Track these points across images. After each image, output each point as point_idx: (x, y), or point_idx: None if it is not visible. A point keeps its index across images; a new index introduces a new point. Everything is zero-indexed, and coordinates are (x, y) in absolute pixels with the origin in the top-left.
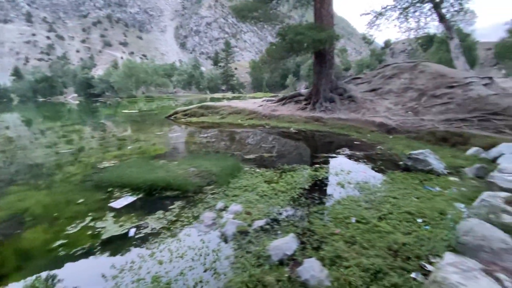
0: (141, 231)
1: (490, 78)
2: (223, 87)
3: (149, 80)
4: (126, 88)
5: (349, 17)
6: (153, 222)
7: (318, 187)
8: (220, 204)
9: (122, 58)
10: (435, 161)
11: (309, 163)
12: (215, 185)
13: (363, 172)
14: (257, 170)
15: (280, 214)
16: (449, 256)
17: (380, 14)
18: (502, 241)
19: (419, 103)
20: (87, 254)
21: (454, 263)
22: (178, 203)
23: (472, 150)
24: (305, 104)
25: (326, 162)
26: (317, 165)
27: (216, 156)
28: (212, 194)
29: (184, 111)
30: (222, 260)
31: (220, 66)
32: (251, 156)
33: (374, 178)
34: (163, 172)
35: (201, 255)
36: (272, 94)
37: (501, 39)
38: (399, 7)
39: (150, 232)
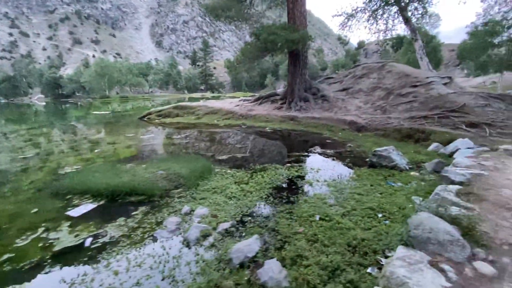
0: (98, 240)
1: (450, 77)
2: (202, 87)
3: (123, 80)
4: (98, 88)
5: (325, 18)
6: (112, 230)
7: (287, 186)
8: (186, 208)
9: (93, 56)
10: (398, 157)
11: (281, 162)
12: (183, 188)
13: (331, 169)
14: (229, 171)
15: (247, 215)
16: (400, 250)
17: (351, 15)
18: (448, 233)
19: (386, 101)
20: (35, 268)
21: (403, 256)
22: (142, 209)
23: (432, 146)
24: (281, 104)
25: (298, 161)
26: (289, 164)
27: (187, 157)
28: (179, 197)
29: (158, 111)
30: (182, 267)
31: (198, 65)
32: (224, 157)
33: (342, 175)
34: (129, 176)
35: (160, 263)
36: (251, 94)
37: (463, 41)
38: (368, 9)
39: (108, 241)
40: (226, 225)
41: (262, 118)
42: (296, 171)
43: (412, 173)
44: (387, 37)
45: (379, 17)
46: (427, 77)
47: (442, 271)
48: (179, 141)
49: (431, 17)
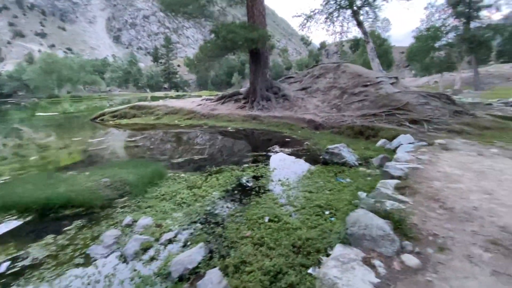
0: (17, 264)
1: (396, 78)
2: (166, 85)
3: (75, 78)
4: (45, 87)
5: (289, 19)
6: (37, 250)
7: (242, 187)
8: (127, 219)
9: (39, 51)
10: (348, 154)
11: (239, 163)
12: (129, 197)
13: (287, 168)
14: (182, 174)
15: (195, 222)
16: (338, 249)
17: (310, 17)
18: (380, 228)
19: (341, 100)
20: None
21: (339, 255)
22: (77, 223)
23: (380, 142)
24: (244, 103)
25: (256, 161)
26: (246, 165)
27: (136, 162)
28: (123, 207)
29: (113, 112)
30: (114, 286)
31: (160, 62)
32: (180, 160)
33: (296, 173)
34: (67, 186)
35: (89, 284)
36: (217, 93)
37: (411, 44)
38: (325, 11)
39: (29, 263)
40: (170, 235)
41: (225, 117)
42: (253, 172)
43: (360, 168)
44: (344, 39)
45: (335, 19)
46: (377, 77)
47: (373, 267)
48: (133, 144)
49: (382, 22)
